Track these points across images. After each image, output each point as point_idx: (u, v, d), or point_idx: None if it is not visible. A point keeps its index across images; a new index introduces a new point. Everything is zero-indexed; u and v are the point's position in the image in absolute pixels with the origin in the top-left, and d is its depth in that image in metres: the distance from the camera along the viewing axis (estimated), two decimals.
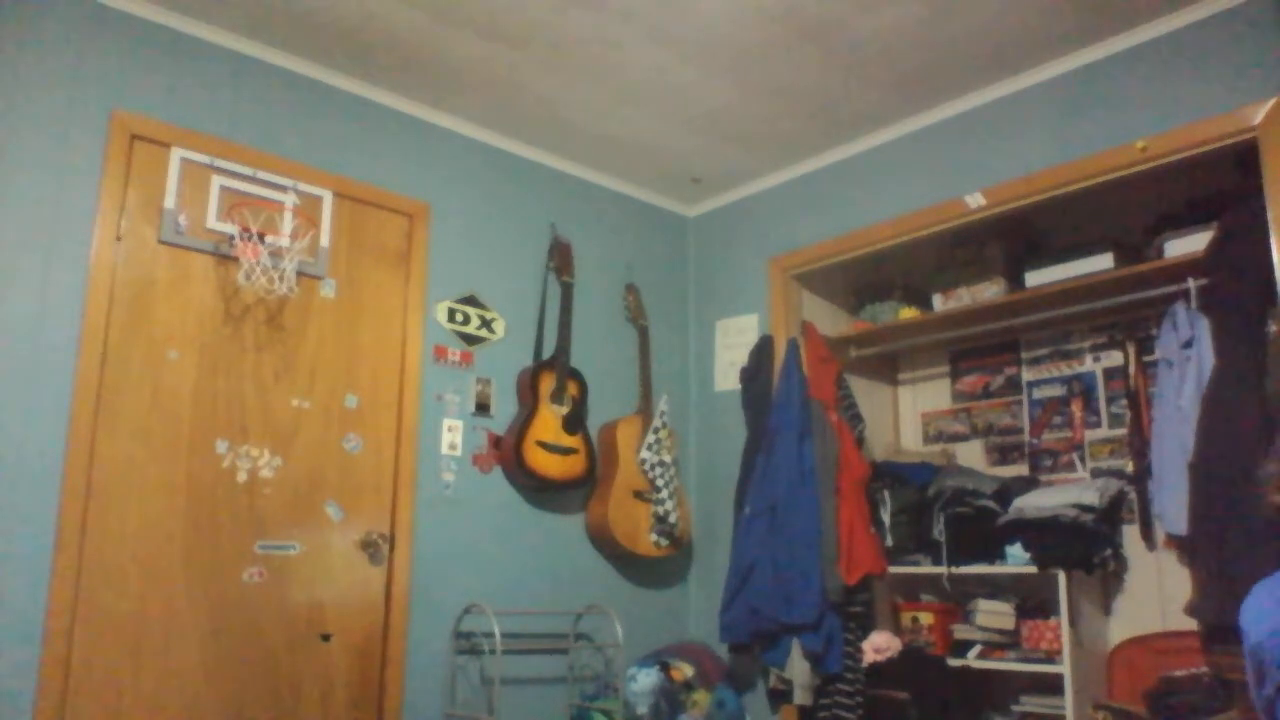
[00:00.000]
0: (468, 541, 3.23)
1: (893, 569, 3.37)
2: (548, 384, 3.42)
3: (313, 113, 3.10)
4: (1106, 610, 3.20)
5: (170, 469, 2.65)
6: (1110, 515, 3.08)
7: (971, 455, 3.73)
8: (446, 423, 3.24)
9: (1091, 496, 2.97)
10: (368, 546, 2.99)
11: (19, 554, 2.38)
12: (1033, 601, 3.18)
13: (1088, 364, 3.46)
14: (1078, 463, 3.41)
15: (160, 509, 2.62)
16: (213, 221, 2.81)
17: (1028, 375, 3.63)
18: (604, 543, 3.54)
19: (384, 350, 3.15)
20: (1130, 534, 3.18)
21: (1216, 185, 2.90)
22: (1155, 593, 3.11)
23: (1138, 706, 2.79)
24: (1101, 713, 2.83)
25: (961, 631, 3.25)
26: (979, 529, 3.19)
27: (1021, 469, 3.56)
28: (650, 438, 3.62)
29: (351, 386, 3.05)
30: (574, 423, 3.45)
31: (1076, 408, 3.46)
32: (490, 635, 3.07)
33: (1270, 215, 2.50)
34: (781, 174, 3.86)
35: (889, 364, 4.05)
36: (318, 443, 2.94)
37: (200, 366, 2.75)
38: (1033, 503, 3.06)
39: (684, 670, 3.39)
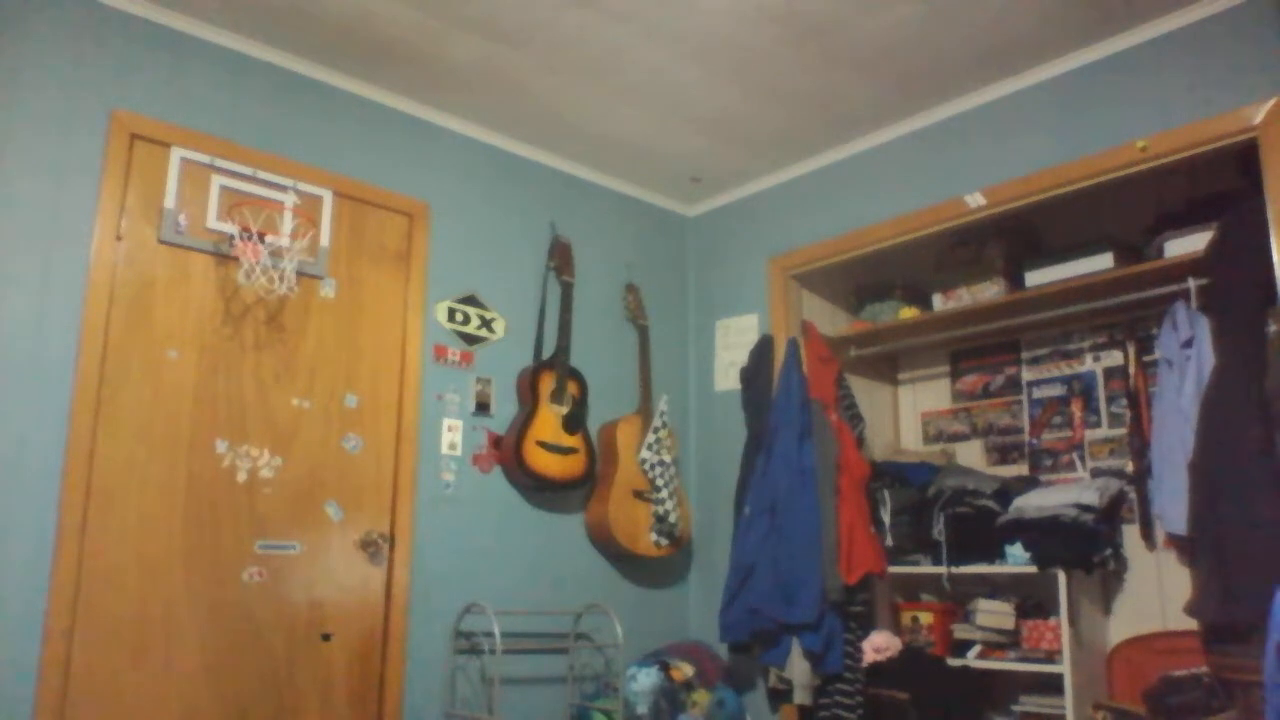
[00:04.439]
0: (468, 541, 3.23)
1: (893, 569, 3.37)
2: (548, 384, 3.42)
3: (313, 113, 3.10)
4: (1106, 610, 3.20)
5: (170, 469, 2.65)
6: (1110, 515, 3.08)
7: (971, 455, 3.73)
8: (446, 422, 3.24)
9: (1091, 496, 2.97)
10: (368, 546, 2.99)
11: (19, 554, 2.38)
12: (1033, 601, 3.18)
13: (1088, 364, 3.46)
14: (1078, 462, 3.41)
15: (160, 509, 2.62)
16: (213, 221, 2.81)
17: (1028, 375, 3.63)
18: (604, 543, 3.54)
19: (384, 350, 3.15)
20: (1130, 534, 3.18)
21: (1216, 185, 2.90)
22: (1155, 593, 3.11)
23: (1138, 706, 2.80)
24: (1101, 713, 2.83)
25: (961, 631, 3.25)
26: (979, 529, 3.19)
27: (1021, 469, 3.56)
28: (650, 438, 3.62)
29: (351, 386, 3.05)
30: (574, 422, 3.45)
31: (1076, 407, 3.46)
32: (490, 635, 3.07)
33: (1270, 215, 2.50)
34: (781, 174, 3.86)
35: (889, 364, 4.05)
36: (318, 443, 2.94)
37: (200, 366, 2.75)
38: (1033, 503, 3.06)
39: (684, 670, 3.39)
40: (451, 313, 3.34)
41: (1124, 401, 3.30)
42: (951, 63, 3.06)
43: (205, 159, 2.82)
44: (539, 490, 3.39)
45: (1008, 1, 2.74)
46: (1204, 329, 2.79)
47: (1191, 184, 2.98)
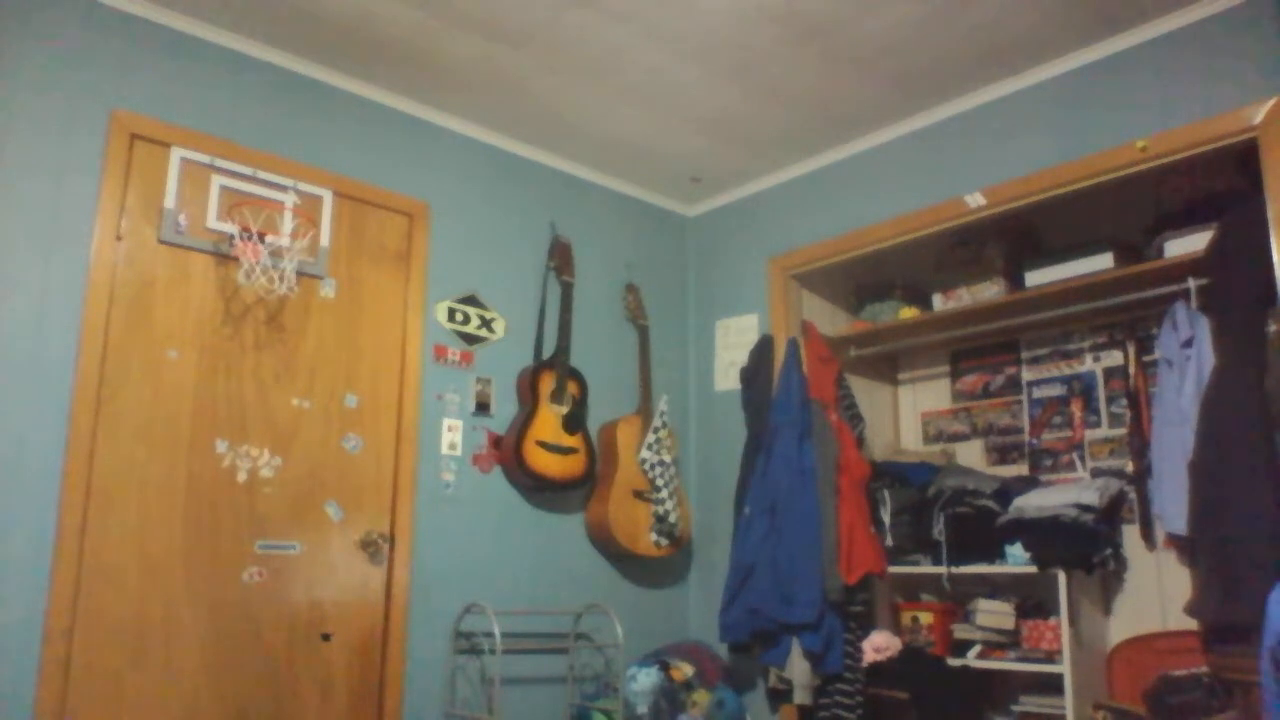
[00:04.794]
0: (468, 541, 3.23)
1: (893, 569, 3.37)
2: (548, 384, 3.42)
3: (313, 113, 3.10)
4: (1106, 610, 3.20)
5: (170, 469, 2.65)
6: (1110, 515, 3.08)
7: (971, 455, 3.73)
8: (446, 422, 3.24)
9: (1091, 496, 2.97)
10: (368, 546, 2.99)
11: (19, 554, 2.38)
12: (1033, 601, 3.18)
13: (1088, 364, 3.46)
14: (1078, 462, 3.41)
15: (160, 509, 2.62)
16: (213, 221, 2.81)
17: (1028, 375, 3.63)
18: (604, 543, 3.54)
19: (384, 350, 3.15)
20: (1130, 534, 3.18)
21: (1216, 185, 2.90)
22: (1155, 593, 3.11)
23: (1138, 706, 2.80)
24: (1101, 713, 2.83)
25: (961, 631, 3.25)
26: (979, 529, 3.19)
27: (1021, 469, 3.56)
28: (650, 437, 3.62)
29: (351, 386, 3.05)
30: (574, 422, 3.45)
31: (1076, 407, 3.46)
32: (490, 635, 3.07)
33: (1270, 215, 2.50)
34: (781, 174, 3.86)
35: (889, 364, 4.05)
36: (318, 443, 2.94)
37: (200, 366, 2.75)
38: (1033, 503, 3.06)
39: (684, 670, 3.39)
40: (451, 313, 3.34)
41: (1124, 401, 3.30)
42: (951, 63, 3.06)
43: (205, 159, 2.82)
44: (539, 490, 3.39)
45: (1008, 1, 2.74)
46: (1204, 329, 2.79)
47: (1191, 184, 2.97)
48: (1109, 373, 3.39)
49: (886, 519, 3.39)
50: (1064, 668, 2.88)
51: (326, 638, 2.87)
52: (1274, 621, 1.52)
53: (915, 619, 3.36)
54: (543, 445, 3.34)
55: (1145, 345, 3.26)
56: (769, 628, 3.22)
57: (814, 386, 3.46)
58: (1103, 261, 3.09)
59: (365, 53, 3.04)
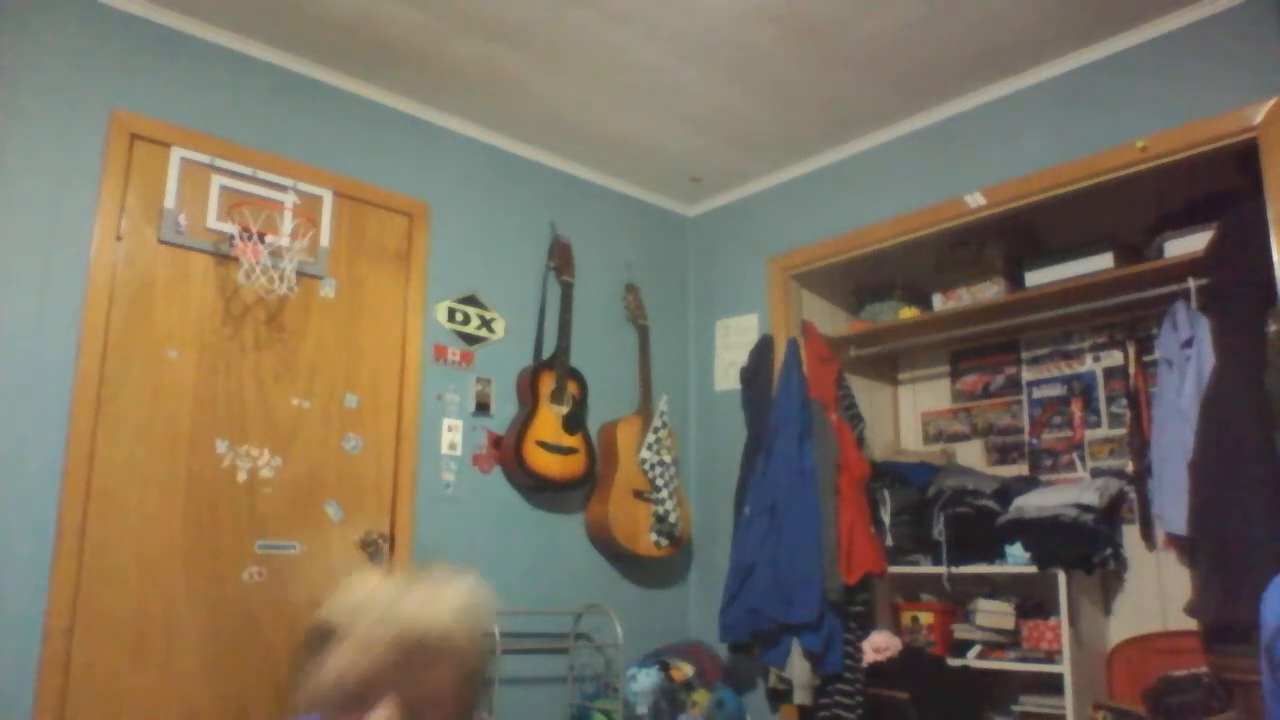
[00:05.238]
0: (468, 541, 3.23)
1: (893, 569, 3.37)
2: (548, 384, 3.42)
3: (313, 113, 3.10)
4: (1106, 610, 3.20)
5: (170, 469, 2.65)
6: (1110, 515, 3.08)
7: (971, 455, 3.73)
8: (446, 422, 3.24)
9: (1091, 496, 2.97)
10: (368, 546, 2.99)
11: (19, 554, 2.38)
12: (1033, 601, 3.18)
13: (1088, 364, 3.46)
14: (1078, 462, 3.41)
15: (160, 509, 2.62)
16: (213, 221, 2.81)
17: (1028, 375, 3.63)
18: (604, 543, 3.54)
19: (384, 350, 3.15)
20: (1130, 534, 3.18)
21: (1216, 185, 2.90)
22: (1155, 593, 3.11)
23: (1137, 706, 2.80)
24: (1101, 713, 2.83)
25: (961, 631, 3.25)
26: (979, 529, 3.19)
27: (1021, 469, 3.56)
28: (650, 438, 3.62)
29: (351, 386, 3.05)
30: (574, 422, 3.45)
31: (1076, 407, 3.46)
32: (490, 635, 3.07)
33: (1270, 215, 2.50)
34: (781, 174, 3.86)
35: (889, 364, 4.05)
36: (318, 443, 2.94)
37: (200, 366, 2.75)
38: (1033, 503, 3.06)
39: (684, 670, 3.39)
40: (451, 313, 3.34)
41: (1124, 401, 3.30)
42: (951, 63, 3.06)
43: (205, 159, 2.82)
44: (539, 490, 3.39)
45: (1008, 1, 2.74)
46: (1204, 329, 2.79)
47: (1191, 184, 2.97)
48: (1109, 373, 3.39)
49: (886, 519, 3.39)
50: (1064, 668, 2.88)
51: None
52: (1268, 618, 1.52)
53: (915, 619, 3.36)
54: (543, 445, 3.34)
55: (1145, 345, 3.26)
56: (769, 628, 3.22)
57: (814, 386, 3.46)
58: (1103, 261, 3.09)
59: (365, 53, 3.04)
